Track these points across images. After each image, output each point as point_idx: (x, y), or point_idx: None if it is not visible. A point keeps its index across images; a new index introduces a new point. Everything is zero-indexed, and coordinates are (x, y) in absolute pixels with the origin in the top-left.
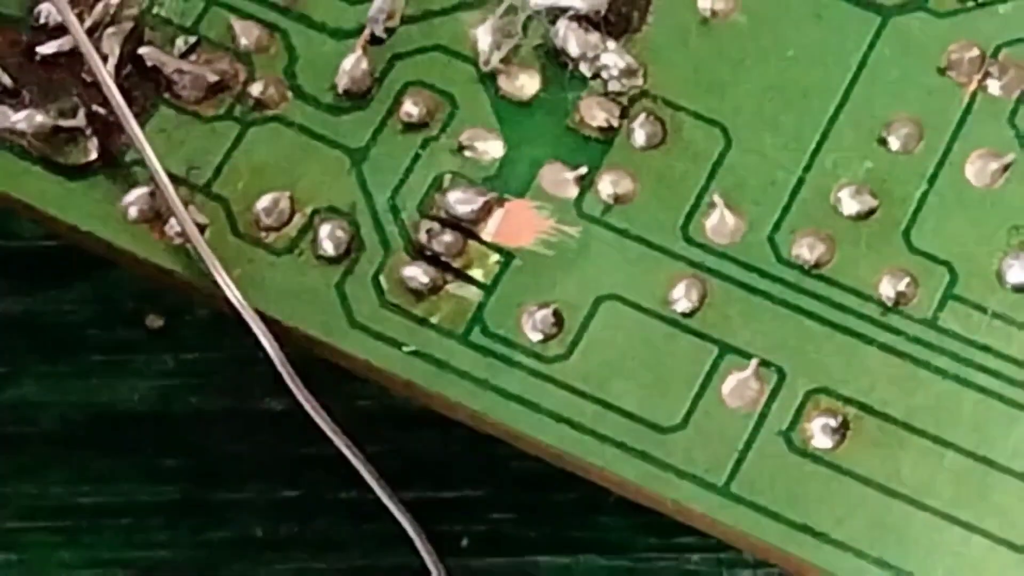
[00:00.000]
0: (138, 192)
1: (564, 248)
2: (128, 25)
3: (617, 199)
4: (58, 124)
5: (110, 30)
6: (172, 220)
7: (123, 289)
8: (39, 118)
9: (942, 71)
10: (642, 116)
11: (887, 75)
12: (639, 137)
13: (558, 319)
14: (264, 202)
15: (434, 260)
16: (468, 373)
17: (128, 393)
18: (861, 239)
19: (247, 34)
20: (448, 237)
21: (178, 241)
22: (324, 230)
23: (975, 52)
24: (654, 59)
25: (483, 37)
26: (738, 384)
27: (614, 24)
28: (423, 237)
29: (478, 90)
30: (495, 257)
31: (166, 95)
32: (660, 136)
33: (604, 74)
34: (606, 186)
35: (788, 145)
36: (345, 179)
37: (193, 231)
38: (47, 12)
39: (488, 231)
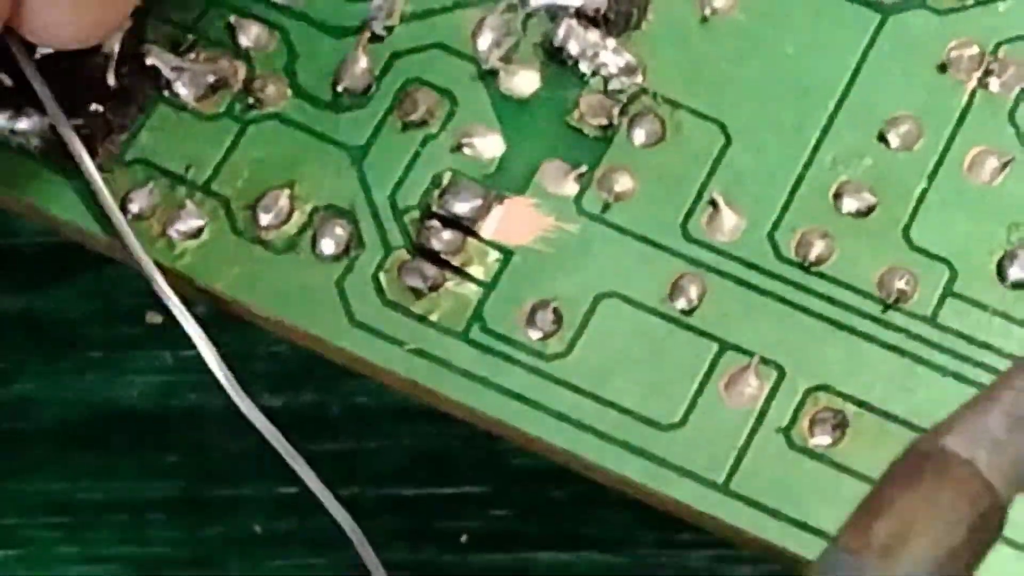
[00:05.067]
0: (138, 190)
1: (564, 246)
2: (127, 23)
3: (617, 197)
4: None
5: None
6: (173, 218)
7: (122, 286)
8: (38, 117)
9: (942, 68)
10: (642, 114)
11: (887, 72)
12: (639, 135)
13: (558, 317)
14: (264, 200)
15: (434, 258)
16: (468, 371)
17: (127, 390)
18: (861, 236)
19: (246, 32)
20: (448, 235)
21: (178, 238)
22: (324, 228)
23: (975, 50)
24: (654, 57)
25: (483, 35)
26: (738, 381)
27: (614, 22)
28: (423, 235)
29: (478, 88)
30: (495, 255)
31: (165, 93)
32: (660, 134)
33: (604, 72)
34: (606, 184)
35: (788, 142)
36: (345, 177)
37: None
38: None
39: (488, 229)
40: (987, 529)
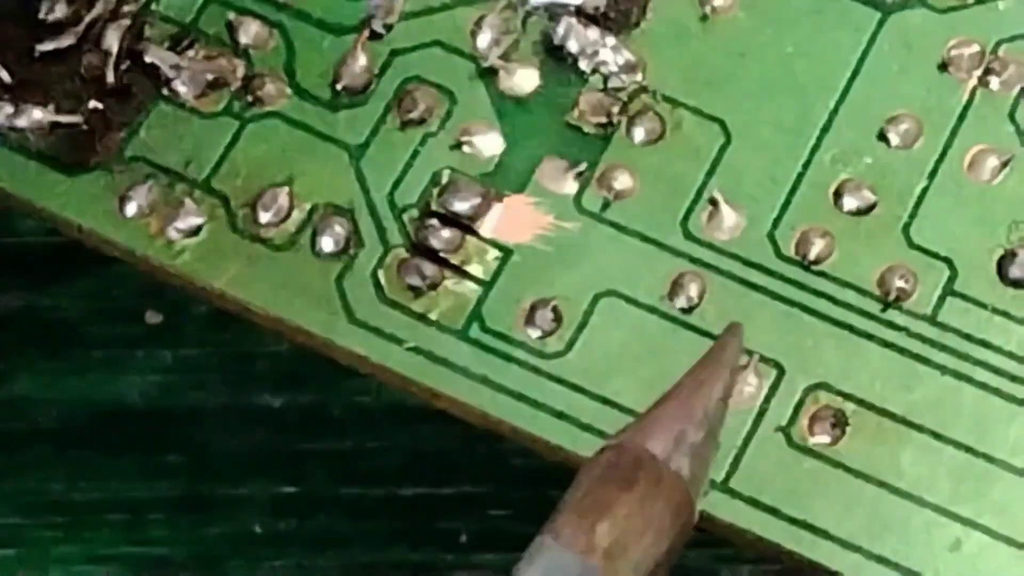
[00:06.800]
0: (137, 188)
1: (563, 244)
2: (127, 21)
3: (616, 195)
4: (57, 120)
5: (110, 26)
6: (172, 216)
7: (122, 285)
8: (38, 115)
9: (942, 67)
10: (641, 112)
11: (887, 71)
12: (638, 133)
13: (557, 315)
14: (263, 198)
15: (433, 256)
16: (467, 369)
17: (127, 389)
18: (861, 235)
19: (246, 30)
20: (447, 233)
21: (178, 236)
22: (323, 226)
23: (975, 48)
24: (653, 55)
25: (482, 33)
26: (737, 380)
27: (613, 20)
28: (422, 233)
29: (477, 86)
30: (494, 253)
31: (165, 91)
32: (659, 132)
33: (603, 70)
34: (605, 182)
35: (787, 141)
36: (344, 175)
37: None
38: (47, 8)
39: (487, 227)
40: (684, 535)
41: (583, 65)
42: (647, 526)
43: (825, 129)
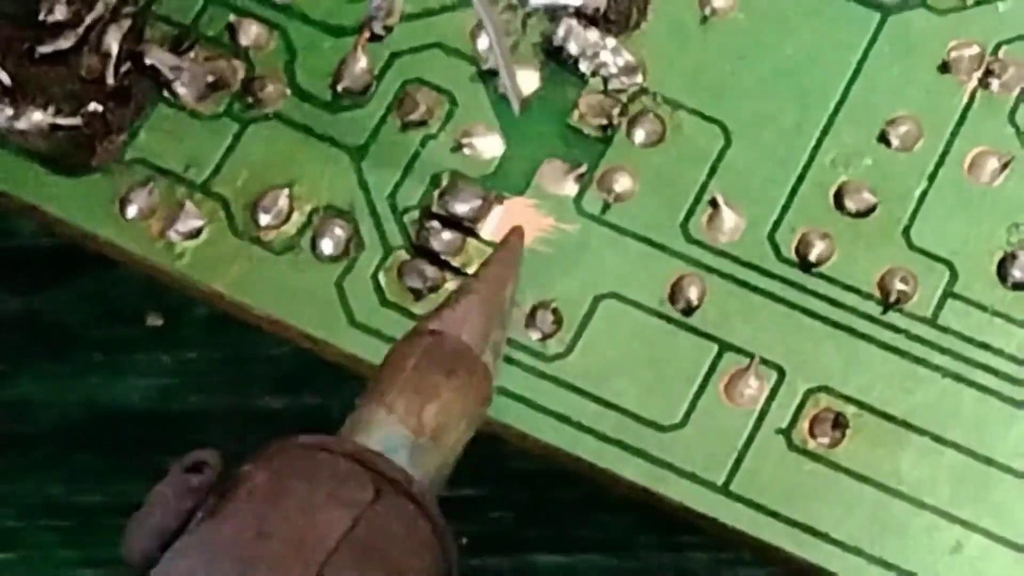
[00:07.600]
0: (137, 190)
1: (563, 246)
2: (127, 23)
3: (616, 197)
4: (57, 123)
5: (110, 28)
6: (173, 219)
7: (122, 288)
8: (38, 117)
9: (942, 69)
10: (642, 114)
11: (887, 73)
12: (638, 135)
13: (557, 317)
14: (263, 200)
15: (434, 258)
16: None
17: (128, 392)
18: (861, 237)
19: (246, 32)
20: (447, 235)
21: (178, 238)
22: (323, 228)
23: (975, 50)
24: (653, 57)
25: (482, 35)
26: (738, 382)
27: (614, 22)
28: (422, 235)
29: (477, 88)
30: None
31: (165, 93)
32: (659, 134)
33: (603, 72)
34: (605, 184)
35: (787, 143)
36: (344, 177)
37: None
38: (47, 10)
39: (487, 229)
40: (480, 422)
41: (583, 67)
42: (463, 413)
43: (825, 131)
